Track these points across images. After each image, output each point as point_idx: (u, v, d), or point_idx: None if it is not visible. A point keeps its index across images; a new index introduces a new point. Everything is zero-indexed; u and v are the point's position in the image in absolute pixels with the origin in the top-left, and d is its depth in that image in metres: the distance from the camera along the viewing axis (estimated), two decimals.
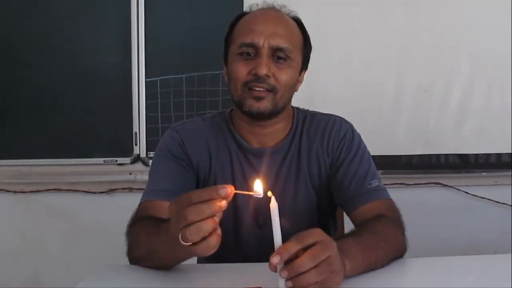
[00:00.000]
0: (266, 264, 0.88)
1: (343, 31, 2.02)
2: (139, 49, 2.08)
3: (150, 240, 0.83)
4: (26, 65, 2.13)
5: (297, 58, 1.00)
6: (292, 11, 1.04)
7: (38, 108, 2.13)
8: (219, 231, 0.65)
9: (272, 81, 0.95)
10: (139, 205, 0.98)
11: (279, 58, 0.96)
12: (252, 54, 0.95)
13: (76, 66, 2.11)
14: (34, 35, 2.11)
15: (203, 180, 1.04)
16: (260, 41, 0.94)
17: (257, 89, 0.94)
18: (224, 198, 0.62)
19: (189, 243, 0.63)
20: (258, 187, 0.67)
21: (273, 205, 0.65)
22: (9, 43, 2.13)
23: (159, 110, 2.10)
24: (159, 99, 2.09)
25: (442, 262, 0.90)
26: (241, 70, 0.96)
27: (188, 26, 2.08)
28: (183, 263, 0.89)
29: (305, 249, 0.65)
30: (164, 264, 0.83)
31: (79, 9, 2.10)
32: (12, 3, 2.11)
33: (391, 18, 2.02)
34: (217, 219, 0.63)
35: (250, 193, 0.67)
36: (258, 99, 0.95)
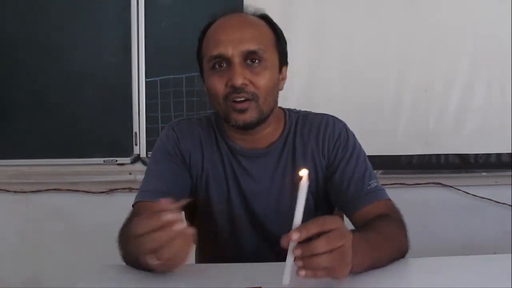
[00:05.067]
0: (266, 264, 0.89)
1: (343, 31, 2.02)
2: (139, 49, 2.08)
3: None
4: (25, 65, 2.13)
5: (272, 57, 0.95)
6: (258, 9, 1.00)
7: (38, 108, 2.13)
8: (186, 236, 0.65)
9: (251, 88, 0.91)
10: (133, 206, 0.98)
11: (253, 61, 0.92)
12: (224, 65, 0.92)
13: (76, 66, 2.11)
14: (33, 35, 2.11)
15: (195, 178, 1.04)
16: (228, 51, 0.90)
17: (238, 99, 0.91)
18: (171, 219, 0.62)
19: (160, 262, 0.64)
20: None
21: (304, 182, 0.66)
22: (9, 43, 2.13)
23: (159, 110, 2.10)
24: (159, 99, 2.09)
25: (442, 262, 0.90)
26: (218, 85, 0.92)
27: (188, 26, 2.07)
28: None
29: (319, 234, 0.65)
30: (150, 269, 0.82)
31: (79, 9, 2.09)
32: (12, 3, 2.11)
33: (391, 17, 2.02)
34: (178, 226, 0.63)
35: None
36: (242, 111, 0.92)
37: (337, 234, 0.66)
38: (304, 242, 0.65)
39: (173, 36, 2.09)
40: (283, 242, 0.65)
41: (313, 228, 0.65)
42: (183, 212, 0.67)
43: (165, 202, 0.64)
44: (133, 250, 0.68)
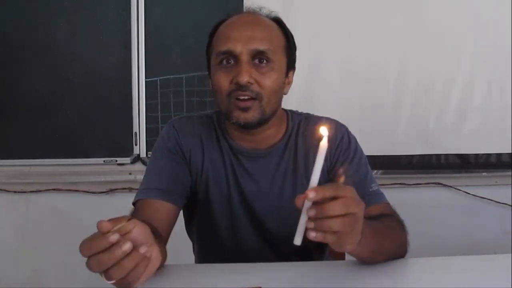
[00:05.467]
0: (266, 264, 0.89)
1: (343, 31, 2.02)
2: (139, 49, 2.08)
3: None
4: (26, 65, 2.12)
5: (280, 59, 0.96)
6: (272, 12, 1.00)
7: (38, 108, 2.12)
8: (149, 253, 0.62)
9: (255, 87, 0.91)
10: (134, 204, 0.98)
11: (260, 61, 0.92)
12: (232, 62, 0.92)
13: (76, 66, 2.11)
14: (34, 35, 2.11)
15: (195, 176, 1.04)
16: (237, 48, 0.90)
17: (242, 97, 0.91)
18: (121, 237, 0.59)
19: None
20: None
21: (323, 144, 0.66)
22: (9, 43, 2.13)
23: (159, 110, 2.10)
24: (159, 99, 2.09)
25: (442, 262, 0.90)
26: (223, 81, 0.92)
27: (188, 26, 2.08)
28: (182, 263, 0.89)
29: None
30: None
31: (79, 9, 2.09)
32: (12, 2, 2.11)
33: (391, 18, 2.01)
34: (127, 247, 0.59)
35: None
36: (244, 109, 0.91)
37: (352, 200, 0.66)
38: (317, 205, 0.65)
39: (173, 36, 2.09)
40: (297, 201, 0.66)
41: (330, 190, 0.65)
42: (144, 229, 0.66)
43: (109, 222, 0.61)
44: None
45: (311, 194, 0.64)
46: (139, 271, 0.61)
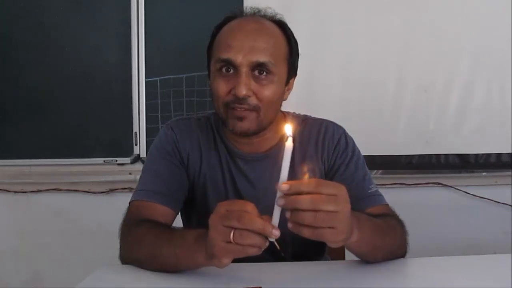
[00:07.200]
0: (266, 264, 0.89)
1: (343, 31, 2.02)
2: (139, 49, 2.08)
3: (156, 243, 0.83)
4: (25, 65, 2.12)
5: (281, 70, 0.93)
6: (277, 14, 0.97)
7: (38, 108, 2.12)
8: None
9: (253, 100, 0.90)
10: (130, 203, 0.98)
11: (260, 73, 0.90)
12: (231, 71, 0.90)
13: (76, 66, 2.11)
14: (33, 35, 2.11)
15: (193, 179, 1.03)
16: (238, 58, 0.88)
17: (239, 109, 0.90)
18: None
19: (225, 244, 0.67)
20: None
21: (289, 145, 0.67)
22: (9, 42, 2.13)
23: (159, 110, 2.10)
24: (159, 99, 2.09)
25: (442, 262, 0.90)
26: (221, 89, 0.91)
27: (188, 26, 2.08)
28: None
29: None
30: (164, 269, 0.83)
31: (79, 9, 2.10)
32: (12, 2, 2.11)
33: (391, 18, 2.01)
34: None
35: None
36: (241, 119, 0.91)
37: (327, 198, 0.65)
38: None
39: (173, 36, 2.09)
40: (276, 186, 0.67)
41: (306, 186, 0.65)
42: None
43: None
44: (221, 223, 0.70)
45: (283, 187, 0.65)
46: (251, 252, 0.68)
